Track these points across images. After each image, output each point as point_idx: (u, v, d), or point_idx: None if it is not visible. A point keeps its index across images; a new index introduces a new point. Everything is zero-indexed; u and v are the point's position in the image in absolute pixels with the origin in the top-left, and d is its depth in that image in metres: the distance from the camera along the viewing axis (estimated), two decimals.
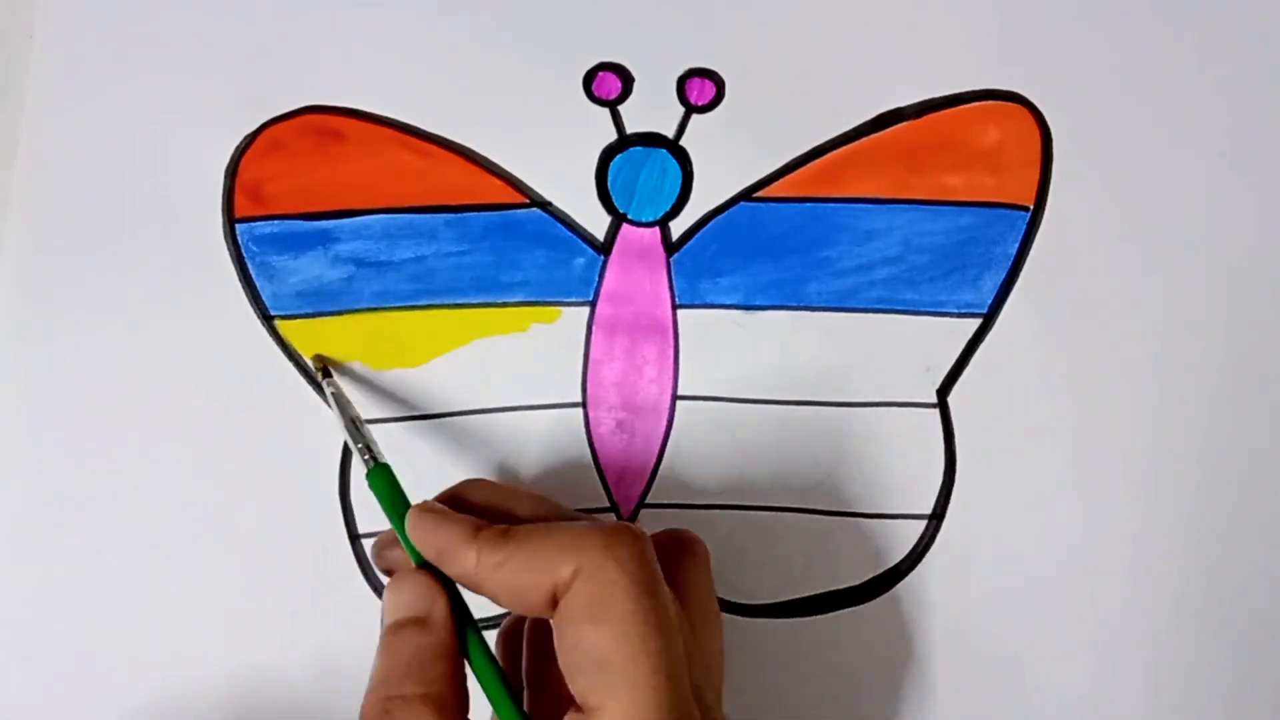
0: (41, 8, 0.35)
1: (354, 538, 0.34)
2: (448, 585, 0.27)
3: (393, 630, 0.27)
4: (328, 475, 0.34)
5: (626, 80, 0.35)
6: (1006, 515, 0.34)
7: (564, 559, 0.25)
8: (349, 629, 0.33)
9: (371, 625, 0.33)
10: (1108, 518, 0.34)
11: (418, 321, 0.34)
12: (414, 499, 0.28)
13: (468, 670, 0.27)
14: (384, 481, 0.29)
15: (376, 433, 0.34)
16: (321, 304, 0.34)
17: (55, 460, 0.34)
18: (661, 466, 0.34)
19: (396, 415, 0.34)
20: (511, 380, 0.34)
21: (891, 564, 0.34)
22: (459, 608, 0.27)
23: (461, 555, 0.26)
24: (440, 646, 0.26)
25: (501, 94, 0.35)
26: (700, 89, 0.35)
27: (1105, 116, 0.35)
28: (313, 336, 0.34)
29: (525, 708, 0.28)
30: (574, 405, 0.34)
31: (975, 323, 0.35)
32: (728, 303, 0.35)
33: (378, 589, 0.34)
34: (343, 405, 0.32)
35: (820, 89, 0.35)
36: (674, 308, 0.35)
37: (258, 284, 0.34)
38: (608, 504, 0.34)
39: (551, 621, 0.25)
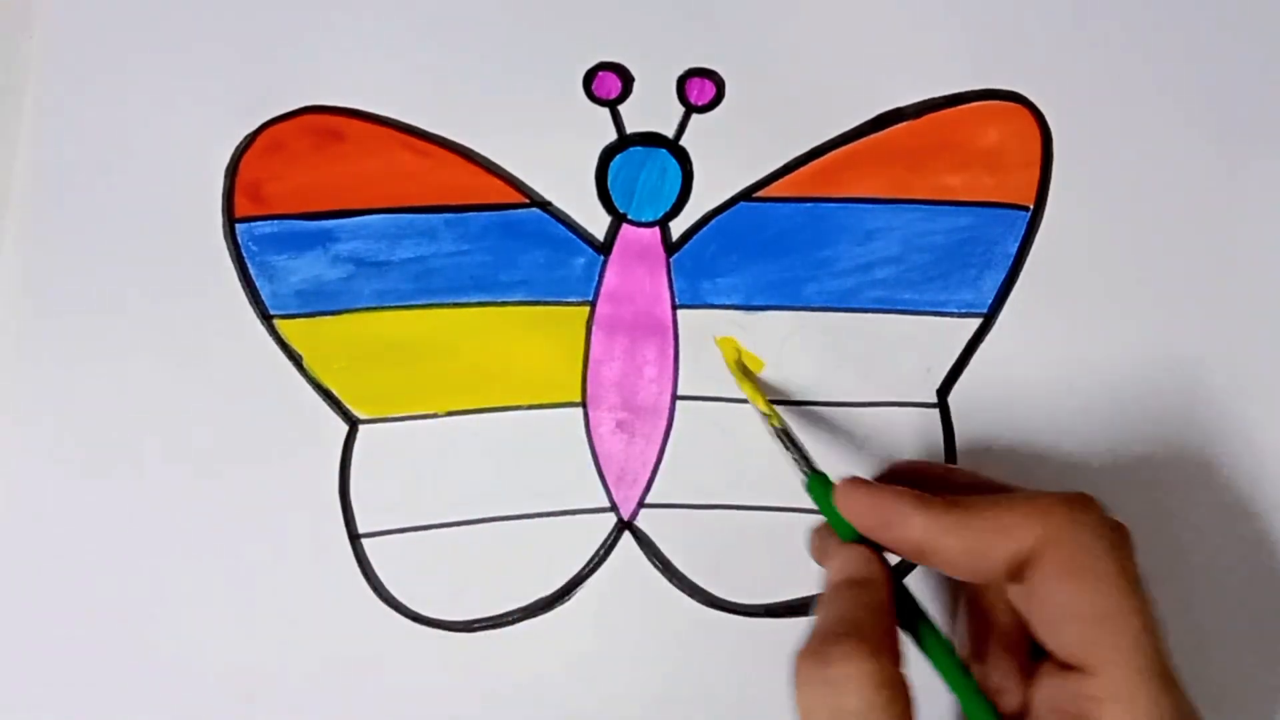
0: (42, 7, 0.35)
1: (354, 538, 0.34)
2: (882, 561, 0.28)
3: (833, 589, 0.27)
4: (328, 475, 0.34)
5: (626, 80, 0.35)
6: None
7: (1027, 524, 0.26)
8: (349, 629, 0.33)
9: (371, 625, 0.33)
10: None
11: (418, 321, 0.34)
12: None
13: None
14: (823, 487, 0.29)
15: (383, 430, 0.34)
16: (321, 304, 0.34)
17: (54, 460, 0.34)
18: (661, 466, 0.34)
19: (399, 414, 0.34)
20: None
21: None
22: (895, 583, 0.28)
23: (908, 522, 0.27)
24: (879, 603, 0.27)
25: (501, 94, 0.35)
26: (700, 89, 0.35)
27: (1105, 116, 0.35)
28: (312, 336, 0.34)
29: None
30: (574, 405, 0.34)
31: (975, 323, 0.35)
32: (728, 303, 0.35)
33: (378, 589, 0.34)
34: (774, 417, 0.32)
35: (820, 89, 0.35)
36: (674, 308, 0.35)
37: (257, 284, 0.34)
38: (608, 504, 0.34)
39: (1015, 586, 0.26)
